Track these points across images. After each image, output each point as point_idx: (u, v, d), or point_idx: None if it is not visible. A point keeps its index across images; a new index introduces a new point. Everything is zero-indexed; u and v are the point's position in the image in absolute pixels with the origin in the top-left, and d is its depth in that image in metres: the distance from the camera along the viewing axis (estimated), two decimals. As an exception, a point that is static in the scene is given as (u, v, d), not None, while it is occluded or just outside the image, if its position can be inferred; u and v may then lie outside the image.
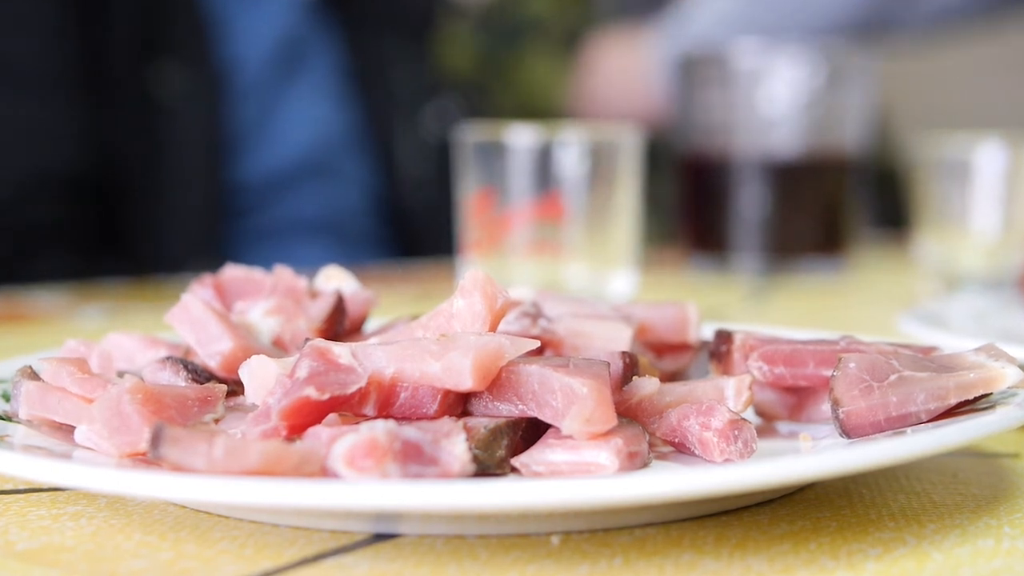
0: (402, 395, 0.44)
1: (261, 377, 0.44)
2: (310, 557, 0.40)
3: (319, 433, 0.41)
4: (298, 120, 1.35)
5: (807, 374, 0.50)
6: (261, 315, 0.52)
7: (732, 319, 0.88)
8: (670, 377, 0.54)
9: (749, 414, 0.52)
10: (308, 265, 0.70)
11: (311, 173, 1.35)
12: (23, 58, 1.18)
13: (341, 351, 0.43)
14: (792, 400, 0.53)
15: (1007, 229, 1.07)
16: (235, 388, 0.48)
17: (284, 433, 0.43)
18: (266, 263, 0.64)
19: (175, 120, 1.24)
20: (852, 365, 0.46)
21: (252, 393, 0.45)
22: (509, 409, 0.44)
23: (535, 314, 0.52)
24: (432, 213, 1.36)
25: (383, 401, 0.43)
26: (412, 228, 1.40)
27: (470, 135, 0.93)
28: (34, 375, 0.48)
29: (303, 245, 1.34)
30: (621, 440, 0.43)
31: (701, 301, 0.60)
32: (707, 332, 0.56)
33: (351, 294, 0.55)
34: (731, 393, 0.48)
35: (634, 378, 0.48)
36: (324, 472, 0.40)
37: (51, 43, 1.19)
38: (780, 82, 1.12)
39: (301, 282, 0.55)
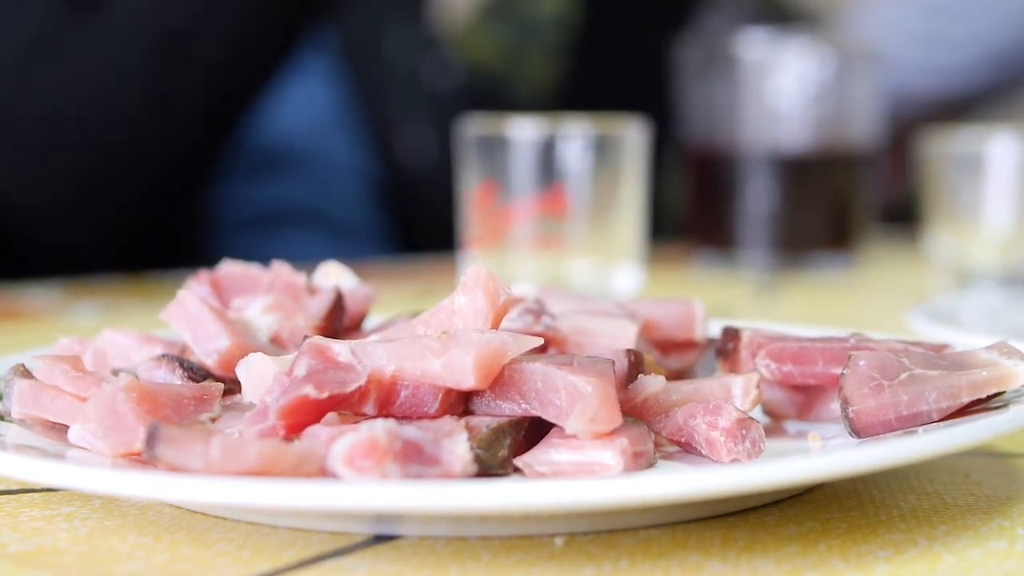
0: (402, 394, 0.43)
1: (259, 375, 0.44)
2: (308, 559, 0.40)
3: (318, 433, 0.41)
4: (280, 98, 1.31)
5: (816, 372, 0.49)
6: (259, 312, 0.52)
7: (739, 316, 0.87)
8: (676, 375, 0.54)
9: (757, 413, 0.52)
10: (304, 259, 0.70)
11: (297, 157, 1.32)
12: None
13: (340, 349, 0.43)
14: (801, 399, 0.52)
15: (1020, 224, 1.06)
16: (232, 387, 0.48)
17: (282, 433, 0.42)
18: (254, 253, 0.64)
19: None
20: (862, 363, 0.46)
21: (249, 392, 0.45)
22: (512, 408, 0.44)
23: (538, 311, 0.52)
24: (434, 204, 1.33)
25: (383, 400, 0.43)
26: (412, 220, 1.38)
27: (472, 128, 0.92)
28: (27, 373, 0.48)
29: (293, 235, 1.32)
30: (626, 440, 0.42)
31: (708, 298, 0.60)
32: (714, 329, 0.56)
33: (350, 290, 0.54)
34: (738, 392, 0.47)
35: (639, 376, 0.47)
36: (323, 472, 0.40)
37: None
38: (788, 74, 1.12)
39: (299, 278, 0.55)
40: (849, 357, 0.46)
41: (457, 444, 0.41)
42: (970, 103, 1.47)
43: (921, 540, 0.42)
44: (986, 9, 1.50)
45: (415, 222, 1.38)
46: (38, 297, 1.03)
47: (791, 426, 0.52)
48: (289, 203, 1.33)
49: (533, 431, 0.44)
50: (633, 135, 0.92)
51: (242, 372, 0.45)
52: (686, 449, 0.46)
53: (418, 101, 1.34)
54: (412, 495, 0.37)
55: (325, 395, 0.42)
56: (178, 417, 0.44)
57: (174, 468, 0.39)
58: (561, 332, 0.51)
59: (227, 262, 0.56)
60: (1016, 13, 1.50)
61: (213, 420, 0.45)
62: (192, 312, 0.50)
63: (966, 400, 0.46)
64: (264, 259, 0.58)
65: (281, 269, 0.55)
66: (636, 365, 0.47)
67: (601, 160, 0.90)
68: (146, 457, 0.40)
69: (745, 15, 1.49)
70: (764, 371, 0.50)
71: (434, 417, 0.43)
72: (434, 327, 0.46)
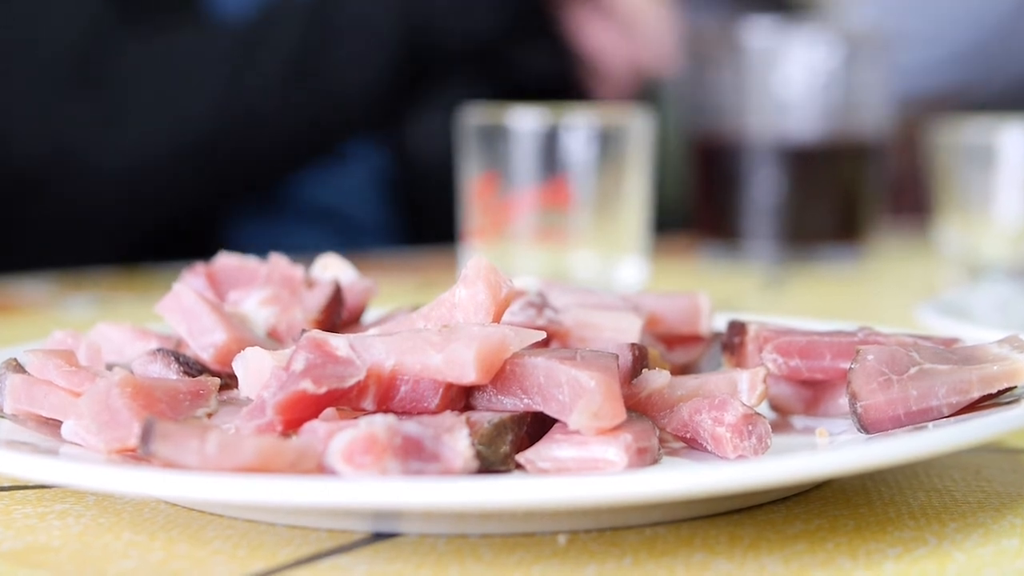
0: (402, 388, 0.43)
1: (256, 370, 0.44)
2: (306, 557, 0.40)
3: (316, 428, 0.41)
4: None
5: (824, 367, 0.49)
6: (256, 305, 0.51)
7: (746, 309, 0.87)
8: (681, 370, 0.54)
9: (763, 408, 0.51)
10: (304, 252, 0.69)
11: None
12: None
13: (339, 343, 0.43)
14: (808, 394, 0.52)
15: (1031, 216, 1.05)
16: (228, 381, 0.47)
17: (279, 428, 0.42)
18: (257, 247, 0.63)
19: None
20: (871, 357, 0.45)
21: (246, 387, 0.44)
22: (514, 403, 0.43)
23: (541, 304, 0.51)
24: (445, 196, 1.33)
25: (382, 395, 0.43)
26: (422, 213, 1.37)
27: (473, 117, 0.91)
28: (19, 368, 0.47)
29: (296, 229, 1.32)
30: (630, 435, 0.42)
31: (713, 291, 0.59)
32: (720, 323, 0.56)
33: (349, 283, 0.54)
34: (745, 387, 0.47)
35: (644, 371, 0.47)
36: (321, 469, 0.39)
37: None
38: (795, 63, 1.11)
39: (297, 271, 0.54)
40: (857, 351, 0.46)
41: (458, 440, 0.40)
42: (939, 102, 1.47)
43: (931, 538, 0.41)
44: (954, 6, 1.50)
45: (425, 215, 1.37)
46: (31, 289, 1.02)
47: (798, 421, 0.52)
48: (295, 196, 1.32)
49: (536, 426, 0.43)
50: (638, 126, 0.92)
51: (239, 366, 0.44)
52: (691, 445, 0.46)
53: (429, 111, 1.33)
54: (412, 492, 0.36)
55: (323, 390, 0.42)
56: (173, 413, 0.44)
57: (169, 464, 0.39)
58: (564, 326, 0.50)
59: (224, 254, 0.55)
60: (985, 10, 1.50)
61: (209, 416, 0.45)
62: (188, 305, 0.49)
63: (977, 395, 0.45)
64: (265, 251, 0.57)
65: (278, 261, 0.54)
66: (640, 359, 0.47)
67: (605, 151, 0.90)
68: (141, 453, 0.40)
69: (740, 3, 1.49)
70: (771, 365, 0.49)
71: (434, 412, 0.43)
72: (435, 321, 0.46)
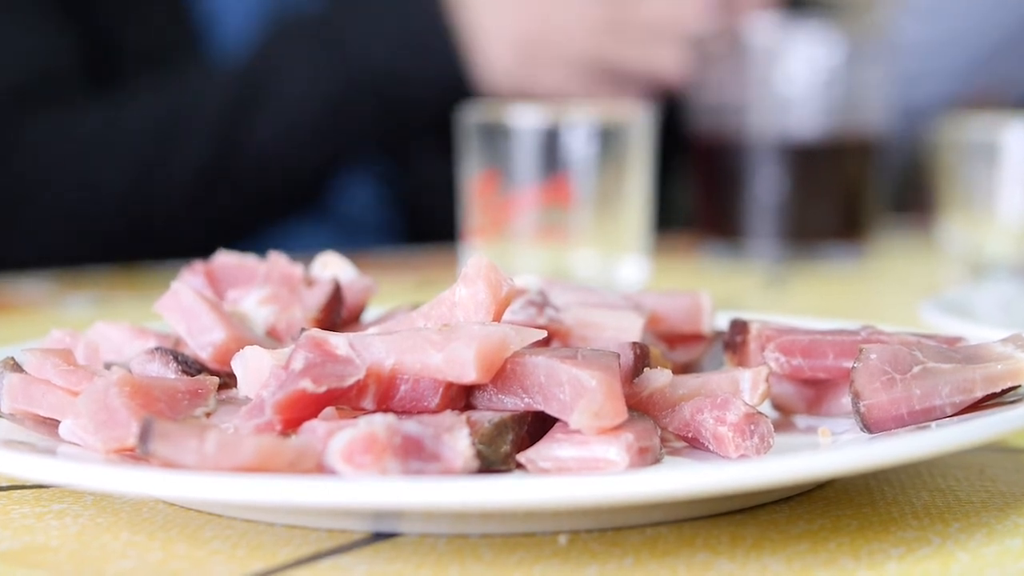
0: (402, 388, 0.43)
1: (255, 369, 0.44)
2: (306, 557, 0.39)
3: (315, 428, 0.40)
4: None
5: (826, 366, 0.49)
6: (255, 304, 0.51)
7: (748, 308, 0.86)
8: (683, 369, 0.54)
9: (766, 408, 0.51)
10: (304, 251, 0.69)
11: None
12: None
13: (338, 342, 0.43)
14: (811, 393, 0.52)
15: (1035, 214, 1.05)
16: (227, 380, 0.47)
17: (278, 428, 0.42)
18: (256, 246, 0.63)
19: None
20: (873, 356, 0.45)
21: (245, 386, 0.44)
22: (514, 402, 0.43)
23: (541, 303, 0.51)
24: (438, 194, 1.32)
25: (382, 394, 0.43)
26: (416, 210, 1.37)
27: (473, 115, 0.91)
28: (17, 367, 0.47)
29: (295, 228, 1.31)
30: (632, 435, 0.42)
31: (715, 289, 0.59)
32: (722, 322, 0.55)
33: (349, 282, 0.54)
34: (747, 386, 0.47)
35: (645, 370, 0.47)
36: (320, 468, 0.39)
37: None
38: (797, 60, 1.10)
39: (297, 269, 0.54)
40: (860, 350, 0.46)
41: (458, 439, 0.40)
42: (977, 101, 1.48)
43: (934, 538, 0.41)
44: (976, 9, 1.51)
45: (424, 214, 1.37)
46: (29, 289, 1.02)
47: (801, 421, 0.52)
48: None
49: (536, 426, 0.43)
50: (639, 123, 0.91)
51: (238, 366, 0.44)
52: (693, 444, 0.46)
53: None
54: (412, 492, 0.36)
55: (323, 389, 0.41)
56: (172, 412, 0.44)
57: (168, 464, 0.39)
58: (565, 325, 0.50)
59: (222, 253, 0.55)
60: (1002, 11, 1.51)
61: (208, 415, 0.44)
62: (186, 304, 0.49)
63: (980, 394, 0.45)
64: (264, 250, 0.57)
65: (278, 260, 0.54)
66: (642, 358, 0.47)
67: (606, 149, 0.89)
68: (139, 453, 0.39)
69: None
70: (773, 364, 0.49)
71: (435, 412, 0.42)
72: (435, 319, 0.45)
